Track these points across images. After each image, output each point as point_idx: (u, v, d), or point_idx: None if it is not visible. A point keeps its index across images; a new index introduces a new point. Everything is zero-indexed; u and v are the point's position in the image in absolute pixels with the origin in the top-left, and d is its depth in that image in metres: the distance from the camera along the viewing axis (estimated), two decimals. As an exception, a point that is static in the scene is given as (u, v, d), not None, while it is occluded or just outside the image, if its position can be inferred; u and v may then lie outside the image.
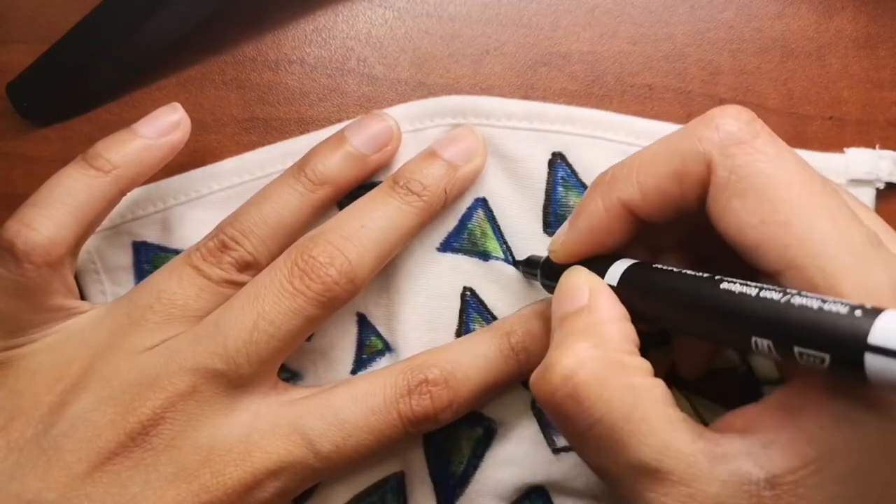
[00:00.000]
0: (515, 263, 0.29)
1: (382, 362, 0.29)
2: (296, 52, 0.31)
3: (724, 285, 0.20)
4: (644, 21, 0.30)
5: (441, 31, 0.31)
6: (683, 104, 0.30)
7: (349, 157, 0.27)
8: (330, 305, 0.25)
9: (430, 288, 0.29)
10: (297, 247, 0.26)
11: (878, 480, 0.19)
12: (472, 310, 0.29)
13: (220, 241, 0.26)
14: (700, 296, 0.20)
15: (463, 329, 0.29)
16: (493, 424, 0.28)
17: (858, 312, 0.17)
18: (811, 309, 0.18)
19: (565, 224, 0.24)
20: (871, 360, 0.17)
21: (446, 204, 0.28)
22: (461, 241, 0.29)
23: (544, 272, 0.26)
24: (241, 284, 0.26)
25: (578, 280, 0.23)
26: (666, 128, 0.29)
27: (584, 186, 0.29)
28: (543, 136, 0.29)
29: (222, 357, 0.24)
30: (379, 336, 0.29)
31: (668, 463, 0.19)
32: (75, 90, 0.30)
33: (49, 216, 0.25)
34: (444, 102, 0.29)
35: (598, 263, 0.24)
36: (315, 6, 0.31)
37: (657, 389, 0.20)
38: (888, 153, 0.29)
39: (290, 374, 0.29)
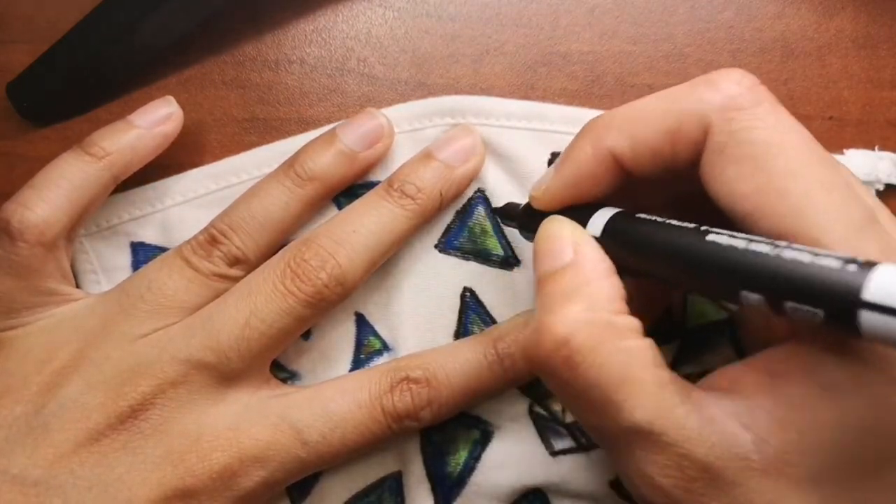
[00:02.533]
0: (493, 211, 0.29)
1: (380, 362, 0.29)
2: (296, 52, 0.31)
3: (710, 237, 0.19)
4: (644, 21, 0.30)
5: (441, 31, 0.31)
6: (683, 104, 0.30)
7: (339, 155, 0.28)
8: (320, 307, 0.26)
9: (430, 288, 0.29)
10: (290, 249, 0.26)
11: (865, 454, 0.19)
12: (472, 311, 0.29)
13: (209, 235, 0.27)
14: (686, 248, 0.20)
15: (462, 330, 0.28)
16: (490, 427, 0.28)
17: (852, 267, 0.17)
18: (802, 263, 0.18)
19: (550, 170, 0.24)
20: (865, 317, 0.17)
21: (442, 206, 0.28)
22: (461, 240, 0.29)
23: (523, 221, 0.26)
24: (230, 278, 0.27)
25: (561, 232, 0.22)
26: None
27: None
28: (542, 136, 0.29)
29: (214, 350, 0.25)
30: (377, 336, 0.29)
31: (660, 425, 0.19)
32: (75, 90, 0.30)
33: (44, 197, 0.26)
34: (444, 102, 0.29)
35: (579, 212, 0.23)
36: (315, 6, 0.31)
37: (648, 351, 0.20)
38: (887, 154, 0.29)
39: (288, 375, 0.29)
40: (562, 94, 0.30)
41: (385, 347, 0.29)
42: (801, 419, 0.19)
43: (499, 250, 0.29)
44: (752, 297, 0.19)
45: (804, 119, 0.30)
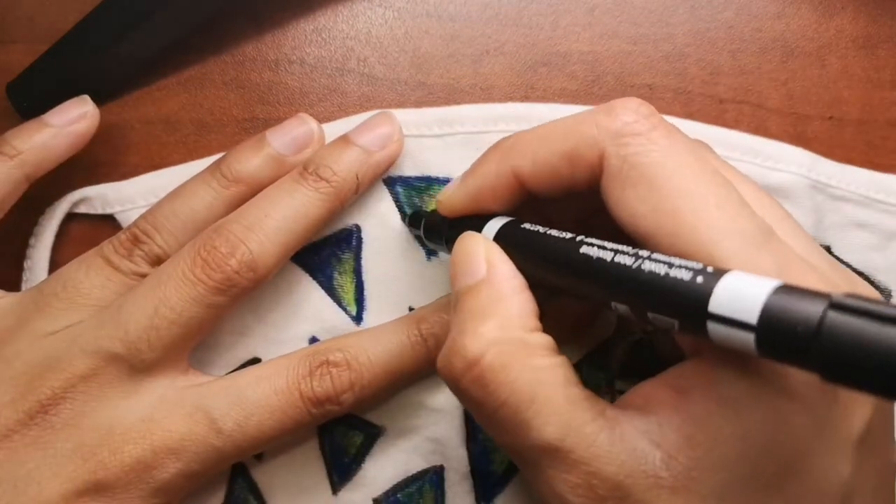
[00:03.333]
0: (403, 218, 0.29)
1: None
2: (296, 52, 0.31)
3: (583, 249, 0.20)
4: (644, 21, 0.30)
5: (441, 31, 0.31)
6: (684, 104, 0.30)
7: (267, 158, 0.28)
8: (231, 293, 0.25)
9: None
10: (201, 237, 0.26)
11: (767, 468, 0.19)
12: None
13: (132, 234, 0.27)
14: (564, 258, 0.21)
15: None
16: None
17: (700, 279, 0.17)
18: (658, 275, 0.18)
19: (457, 178, 0.25)
20: (713, 328, 0.17)
21: (359, 190, 0.28)
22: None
23: (427, 227, 0.27)
24: None
25: (476, 248, 0.22)
26: None
27: None
28: None
29: (123, 341, 0.25)
30: None
31: (570, 442, 0.19)
32: (75, 90, 0.30)
33: None
34: (504, 108, 0.29)
35: (476, 221, 0.24)
36: (315, 6, 0.31)
37: (560, 369, 0.20)
38: None
39: None
40: (562, 94, 0.30)
41: None
42: (704, 435, 0.19)
43: None
44: (620, 307, 0.19)
45: (804, 119, 0.31)
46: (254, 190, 0.27)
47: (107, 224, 0.30)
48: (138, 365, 0.25)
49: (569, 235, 0.21)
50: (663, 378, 0.21)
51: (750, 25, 0.30)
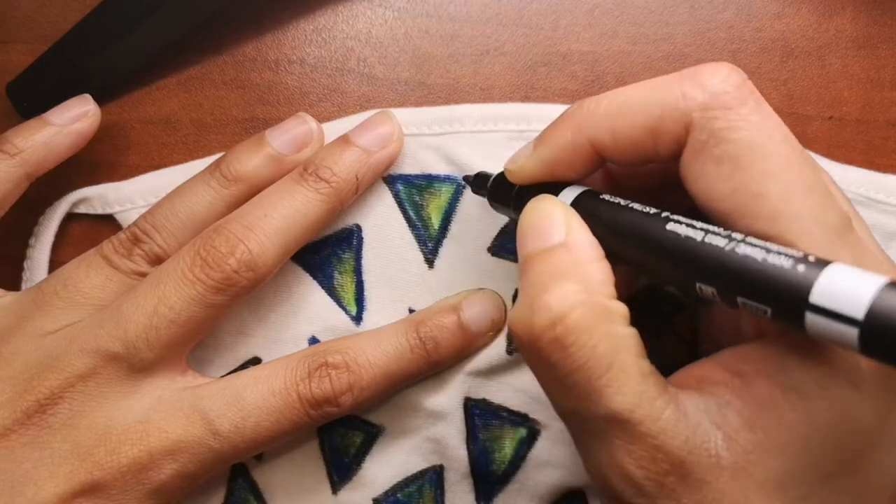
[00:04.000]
0: (464, 179, 0.28)
1: None
2: (296, 52, 0.31)
3: (669, 226, 0.19)
4: (644, 21, 0.30)
5: (441, 31, 0.31)
6: (683, 104, 0.30)
7: (266, 157, 0.27)
8: (230, 293, 0.25)
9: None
10: (201, 237, 0.26)
11: (827, 458, 0.19)
12: None
13: (132, 233, 0.27)
14: (646, 234, 0.20)
15: None
16: (538, 426, 0.28)
17: (801, 267, 0.17)
18: (755, 260, 0.18)
19: (528, 146, 0.24)
20: (811, 319, 0.17)
21: (359, 190, 0.28)
22: (515, 244, 0.29)
23: (494, 192, 0.26)
24: None
25: (552, 212, 0.21)
26: None
27: None
28: None
29: (122, 340, 0.25)
30: None
31: (639, 414, 0.19)
32: (75, 90, 0.30)
33: None
34: (510, 109, 0.29)
35: (549, 188, 0.23)
36: (315, 6, 0.31)
37: (633, 339, 0.20)
38: None
39: None
40: (562, 94, 0.30)
41: None
42: (766, 420, 0.19)
43: None
44: (707, 288, 0.19)
45: (804, 119, 0.31)
46: (253, 189, 0.27)
47: (107, 224, 0.30)
48: (137, 364, 0.25)
49: (653, 210, 0.20)
50: (718, 360, 0.20)
51: (750, 25, 0.30)
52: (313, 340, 0.29)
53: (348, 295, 0.29)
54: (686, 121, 0.20)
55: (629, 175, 0.25)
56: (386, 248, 0.29)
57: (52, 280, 0.26)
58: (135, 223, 0.27)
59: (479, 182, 0.27)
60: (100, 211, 0.30)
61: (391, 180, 0.29)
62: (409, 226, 0.29)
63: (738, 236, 0.18)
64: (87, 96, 0.29)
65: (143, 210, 0.29)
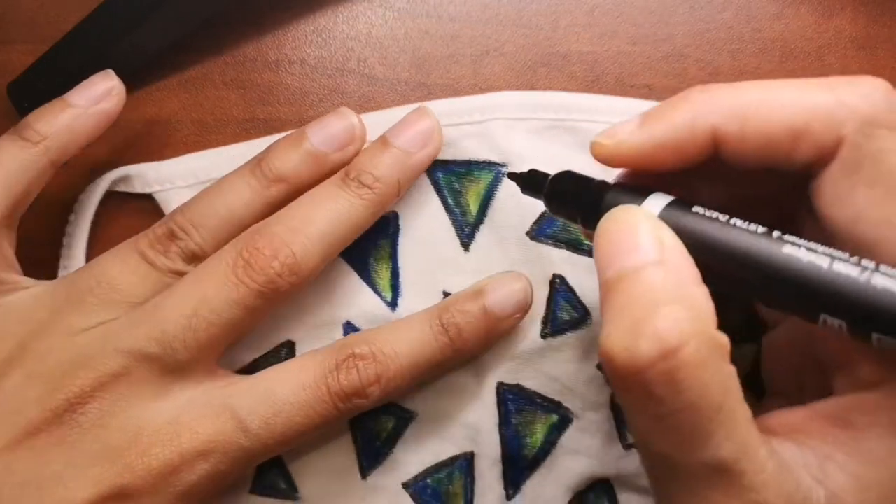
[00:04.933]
0: (508, 175, 0.26)
1: None
2: (296, 52, 0.31)
3: (787, 249, 0.17)
4: (644, 21, 0.31)
5: (441, 32, 0.31)
6: (683, 104, 0.30)
7: (308, 155, 0.27)
8: (272, 297, 0.25)
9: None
10: (242, 238, 0.25)
11: None
12: (561, 297, 0.28)
13: (168, 229, 0.26)
14: (758, 258, 0.17)
15: (550, 317, 0.28)
16: (570, 414, 0.28)
17: None
18: (893, 293, 0.16)
19: (631, 121, 0.20)
20: None
21: (400, 193, 0.28)
22: (554, 229, 0.28)
23: (553, 191, 0.23)
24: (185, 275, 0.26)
25: (641, 225, 0.18)
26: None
27: None
28: None
29: (159, 341, 0.24)
30: None
31: (743, 464, 0.17)
32: (76, 90, 0.30)
33: None
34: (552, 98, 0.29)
35: (630, 193, 0.20)
36: (315, 7, 0.31)
37: (736, 379, 0.18)
38: None
39: None
40: (562, 94, 0.30)
41: None
42: (876, 475, 0.17)
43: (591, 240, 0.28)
44: (833, 321, 0.17)
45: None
46: (294, 189, 0.27)
47: (145, 203, 0.30)
48: (171, 365, 0.24)
49: (761, 228, 0.18)
50: (816, 410, 0.19)
51: (749, 26, 0.31)
52: (348, 326, 0.29)
53: (383, 281, 0.29)
54: (839, 132, 0.18)
55: (710, 186, 0.22)
56: (422, 233, 0.29)
57: (84, 274, 0.26)
58: (171, 218, 0.26)
59: (533, 182, 0.24)
60: (139, 190, 0.30)
61: (431, 169, 0.29)
62: (447, 211, 0.29)
63: (870, 264, 0.16)
64: (110, 72, 0.28)
65: (182, 190, 0.29)
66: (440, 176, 0.29)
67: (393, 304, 0.29)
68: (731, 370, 0.17)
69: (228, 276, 0.25)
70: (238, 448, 0.25)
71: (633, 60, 0.30)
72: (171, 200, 0.29)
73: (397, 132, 0.27)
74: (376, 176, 0.26)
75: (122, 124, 0.31)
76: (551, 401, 0.28)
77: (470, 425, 0.28)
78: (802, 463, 0.18)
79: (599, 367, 0.28)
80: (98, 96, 0.27)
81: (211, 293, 0.24)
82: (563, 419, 0.28)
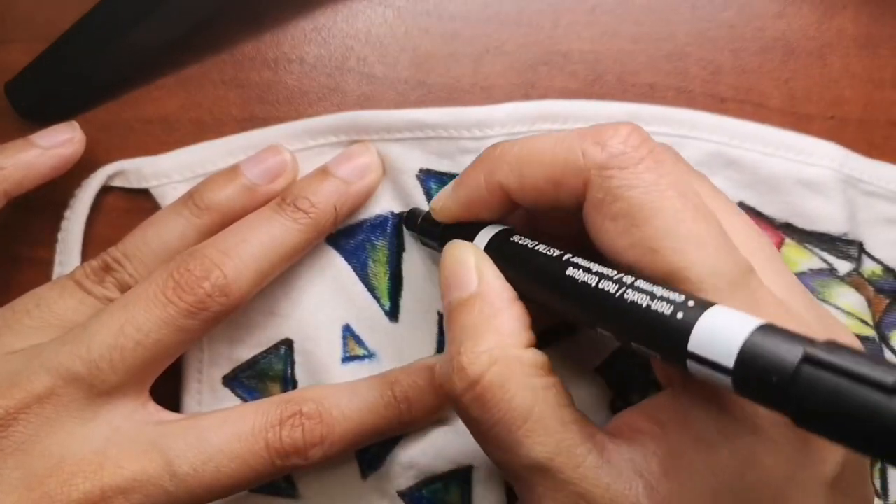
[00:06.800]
0: (399, 216, 0.29)
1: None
2: (295, 51, 0.31)
3: (569, 270, 0.20)
4: (645, 20, 0.30)
5: (441, 31, 0.31)
6: (685, 103, 0.30)
7: (240, 187, 0.28)
8: (203, 318, 0.25)
9: None
10: (175, 260, 0.25)
11: (738, 500, 0.19)
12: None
13: (103, 261, 0.27)
14: (547, 278, 0.21)
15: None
16: None
17: (680, 314, 0.17)
18: (640, 306, 0.18)
19: (449, 187, 0.25)
20: (693, 367, 0.17)
21: (337, 221, 0.28)
22: None
23: (423, 228, 0.27)
24: None
25: (466, 259, 0.23)
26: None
27: None
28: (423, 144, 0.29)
29: (84, 360, 0.24)
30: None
31: (559, 462, 0.20)
32: (74, 90, 0.30)
33: None
34: (342, 119, 0.29)
35: (470, 227, 0.24)
36: (314, 5, 0.31)
37: (553, 389, 0.21)
38: None
39: (366, 353, 0.29)
40: (562, 93, 0.30)
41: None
42: (680, 469, 0.19)
43: None
44: (606, 334, 0.20)
45: (805, 118, 0.30)
46: (226, 218, 0.27)
47: (142, 198, 0.30)
48: (99, 386, 0.24)
49: (556, 253, 0.21)
50: (643, 408, 0.21)
51: (751, 25, 0.30)
52: (347, 329, 0.29)
53: (382, 286, 0.29)
54: (585, 177, 0.21)
55: (549, 217, 0.25)
56: (421, 248, 0.29)
57: (24, 299, 0.26)
58: (107, 252, 0.27)
59: (412, 219, 0.28)
60: (135, 185, 0.30)
61: (425, 179, 0.29)
62: None
63: (629, 280, 0.19)
64: (75, 123, 0.29)
65: (179, 185, 0.29)
66: (432, 186, 0.29)
67: (393, 316, 0.29)
68: (543, 381, 0.21)
69: (158, 296, 0.24)
70: (162, 492, 0.24)
71: (634, 59, 0.30)
72: (167, 195, 0.29)
73: (337, 163, 0.28)
74: (313, 201, 0.27)
75: (120, 124, 0.31)
76: None
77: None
78: (629, 458, 0.20)
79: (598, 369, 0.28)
80: (60, 142, 0.29)
81: (139, 312, 0.24)
82: None
